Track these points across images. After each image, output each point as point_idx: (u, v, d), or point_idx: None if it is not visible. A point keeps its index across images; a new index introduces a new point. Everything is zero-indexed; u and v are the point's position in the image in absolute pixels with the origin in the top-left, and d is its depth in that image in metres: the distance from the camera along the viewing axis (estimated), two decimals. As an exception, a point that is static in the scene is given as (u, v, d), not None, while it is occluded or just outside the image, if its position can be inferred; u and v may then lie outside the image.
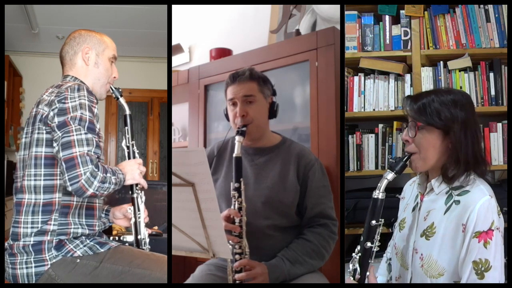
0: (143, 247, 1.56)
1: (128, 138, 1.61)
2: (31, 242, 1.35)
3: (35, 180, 1.37)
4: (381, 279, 1.49)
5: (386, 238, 1.52)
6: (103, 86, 1.59)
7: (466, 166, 1.23)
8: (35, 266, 1.33)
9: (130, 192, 1.58)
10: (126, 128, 1.62)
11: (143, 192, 1.60)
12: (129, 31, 4.02)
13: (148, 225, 1.68)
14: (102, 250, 1.41)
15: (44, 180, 1.37)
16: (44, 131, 1.37)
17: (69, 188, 1.26)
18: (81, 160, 1.26)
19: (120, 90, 1.62)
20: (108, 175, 1.33)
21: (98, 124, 1.43)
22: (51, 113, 1.34)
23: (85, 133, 1.31)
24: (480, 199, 1.17)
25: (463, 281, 1.15)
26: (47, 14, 3.66)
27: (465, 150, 1.22)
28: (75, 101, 1.35)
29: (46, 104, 1.37)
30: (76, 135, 1.29)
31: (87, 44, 1.56)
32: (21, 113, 4.53)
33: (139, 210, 1.58)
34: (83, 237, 1.41)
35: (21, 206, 1.38)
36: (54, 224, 1.36)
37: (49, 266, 1.34)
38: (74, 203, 1.40)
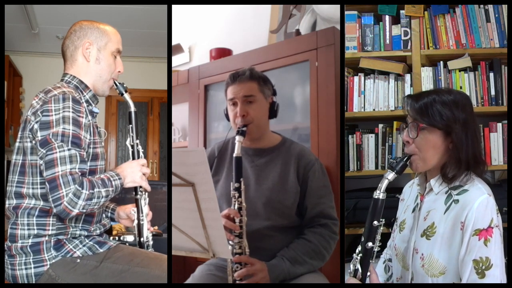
0: (146, 250, 1.55)
1: (133, 136, 1.54)
2: (29, 243, 1.34)
3: (33, 188, 1.36)
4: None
5: (386, 238, 1.51)
6: (106, 83, 1.52)
7: (467, 166, 1.23)
8: (34, 267, 1.33)
9: (134, 193, 1.55)
10: (130, 126, 1.55)
11: (146, 193, 1.55)
12: (129, 31, 4.01)
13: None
14: (101, 250, 1.41)
15: (40, 188, 1.36)
16: (34, 141, 1.34)
17: (54, 210, 1.24)
18: (63, 181, 1.23)
19: (125, 85, 1.53)
20: (96, 190, 1.29)
21: (95, 129, 1.41)
22: (36, 126, 1.31)
23: (68, 149, 1.27)
24: (479, 197, 1.17)
25: (464, 280, 1.14)
26: (47, 14, 3.66)
27: (466, 150, 1.22)
28: (58, 113, 1.30)
29: (33, 112, 1.35)
30: (59, 152, 1.26)
31: (88, 38, 1.48)
32: (21, 113, 4.52)
33: (142, 212, 1.55)
34: (82, 237, 1.41)
35: (19, 209, 1.37)
36: (52, 229, 1.36)
37: (48, 266, 1.33)
38: None
